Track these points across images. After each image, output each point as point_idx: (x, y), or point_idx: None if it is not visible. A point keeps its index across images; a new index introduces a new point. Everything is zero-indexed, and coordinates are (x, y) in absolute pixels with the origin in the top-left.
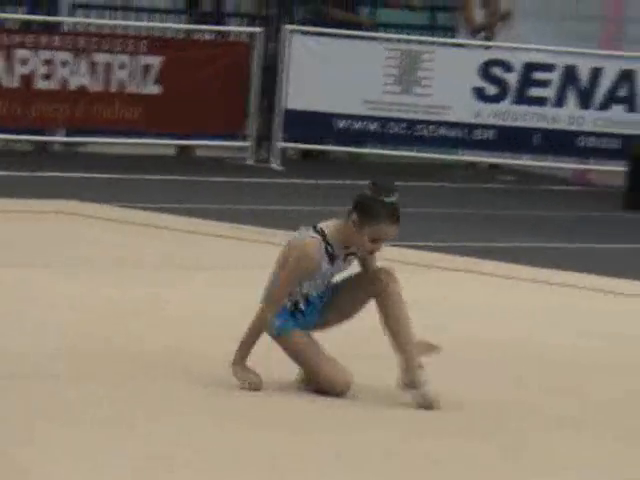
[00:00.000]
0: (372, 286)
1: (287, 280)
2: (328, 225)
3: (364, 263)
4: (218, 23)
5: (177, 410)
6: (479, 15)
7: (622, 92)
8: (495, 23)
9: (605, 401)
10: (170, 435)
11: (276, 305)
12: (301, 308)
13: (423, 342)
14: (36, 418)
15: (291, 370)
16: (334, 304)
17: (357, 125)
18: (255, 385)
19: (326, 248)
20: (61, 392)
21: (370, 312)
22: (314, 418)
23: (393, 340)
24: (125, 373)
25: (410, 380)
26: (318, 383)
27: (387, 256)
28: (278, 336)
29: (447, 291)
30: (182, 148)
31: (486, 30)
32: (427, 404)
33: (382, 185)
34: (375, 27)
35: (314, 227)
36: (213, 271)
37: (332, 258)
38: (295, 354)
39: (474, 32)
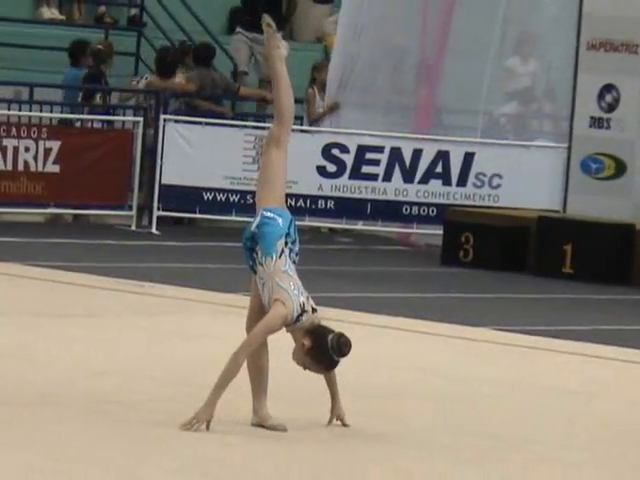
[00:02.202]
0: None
1: (265, 332)
2: (309, 318)
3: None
4: (107, 114)
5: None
6: (321, 107)
7: (438, 169)
8: (326, 113)
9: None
10: None
11: (251, 350)
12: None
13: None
14: None
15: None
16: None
17: (221, 197)
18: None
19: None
20: None
21: None
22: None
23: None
24: None
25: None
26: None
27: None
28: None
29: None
30: (77, 216)
31: (321, 119)
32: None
33: (342, 344)
34: (235, 116)
35: (303, 307)
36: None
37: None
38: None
39: (312, 122)
